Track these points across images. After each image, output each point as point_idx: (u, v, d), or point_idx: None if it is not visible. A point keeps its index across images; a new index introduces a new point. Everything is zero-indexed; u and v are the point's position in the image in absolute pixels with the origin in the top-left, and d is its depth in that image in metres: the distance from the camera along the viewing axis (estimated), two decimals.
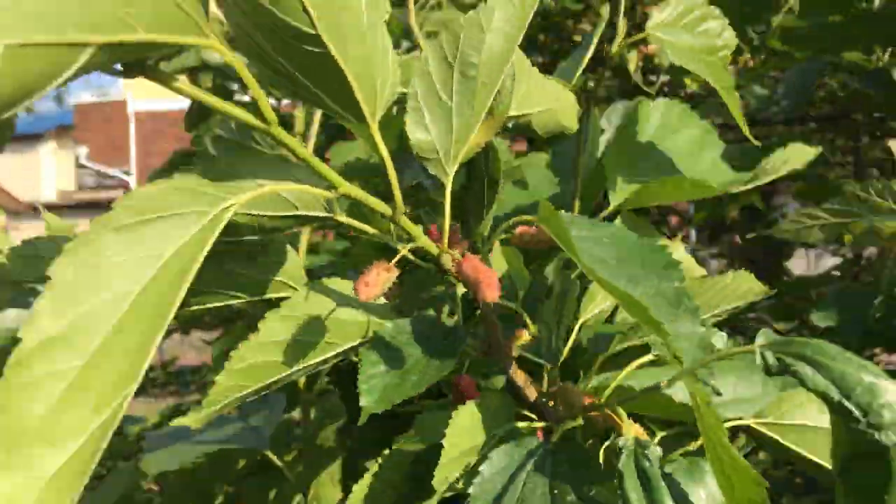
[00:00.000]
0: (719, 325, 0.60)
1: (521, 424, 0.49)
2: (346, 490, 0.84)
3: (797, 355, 0.37)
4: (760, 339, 0.39)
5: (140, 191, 0.36)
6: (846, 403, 0.36)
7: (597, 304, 0.58)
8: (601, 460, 0.45)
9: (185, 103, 1.17)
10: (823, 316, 1.01)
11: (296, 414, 1.02)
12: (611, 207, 0.71)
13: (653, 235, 0.74)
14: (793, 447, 0.52)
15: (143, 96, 10.89)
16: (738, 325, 1.74)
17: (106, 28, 0.30)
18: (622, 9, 0.72)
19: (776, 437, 0.52)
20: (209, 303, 0.50)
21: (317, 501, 0.89)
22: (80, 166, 11.49)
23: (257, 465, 0.93)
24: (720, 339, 0.55)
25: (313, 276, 0.52)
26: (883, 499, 0.38)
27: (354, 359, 0.49)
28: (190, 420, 0.50)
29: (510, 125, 0.60)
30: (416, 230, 0.47)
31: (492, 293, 0.43)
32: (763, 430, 0.52)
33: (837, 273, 1.69)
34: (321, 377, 0.96)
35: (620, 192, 0.71)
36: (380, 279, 0.43)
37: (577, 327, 0.56)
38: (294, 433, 1.01)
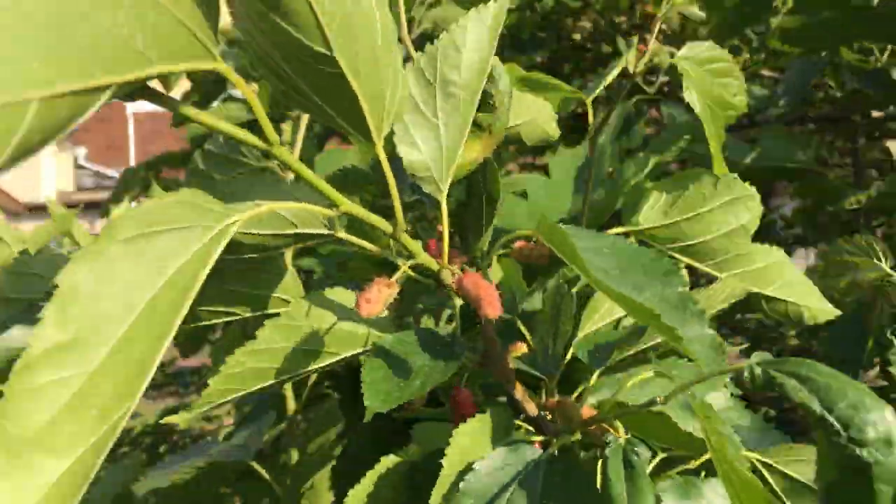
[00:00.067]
0: (718, 326, 0.60)
1: (518, 434, 0.50)
2: (339, 497, 0.84)
3: (788, 372, 0.37)
4: (755, 358, 0.40)
5: (146, 204, 0.36)
6: (828, 417, 0.36)
7: (595, 321, 0.58)
8: (598, 475, 0.45)
9: None
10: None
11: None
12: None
13: None
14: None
15: None
16: (737, 325, 1.74)
17: (127, 63, 0.30)
18: (656, 30, 0.76)
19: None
20: (210, 320, 0.51)
21: None
22: (78, 167, 11.46)
23: (247, 475, 0.93)
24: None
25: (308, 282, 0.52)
26: None
27: (355, 364, 0.49)
28: (179, 418, 0.51)
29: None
30: (417, 246, 0.47)
31: (493, 310, 0.44)
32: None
33: None
34: (309, 389, 0.96)
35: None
36: (381, 296, 0.43)
37: (575, 341, 0.57)
38: (283, 444, 1.01)
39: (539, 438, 0.50)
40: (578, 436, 0.48)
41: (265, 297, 0.51)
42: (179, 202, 0.37)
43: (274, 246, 0.47)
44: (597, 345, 0.55)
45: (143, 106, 10.91)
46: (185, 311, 0.35)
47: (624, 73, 0.76)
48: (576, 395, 0.54)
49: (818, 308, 0.67)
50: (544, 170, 1.93)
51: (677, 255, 0.64)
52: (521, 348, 0.57)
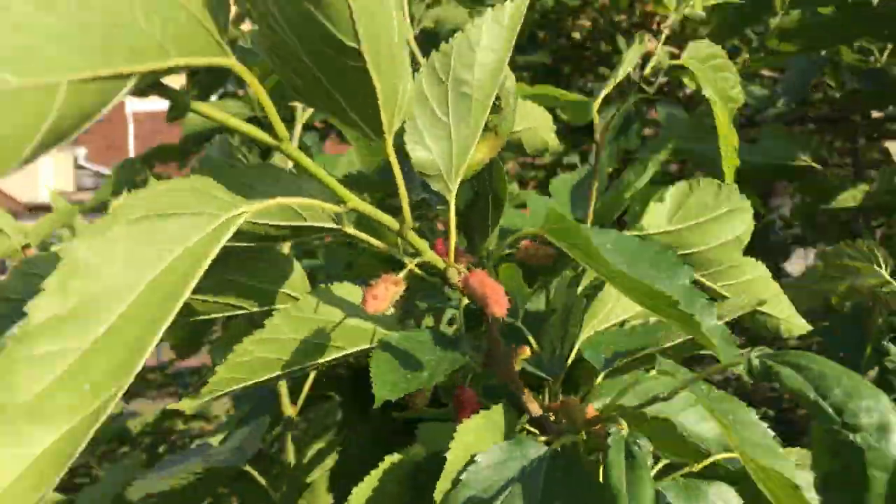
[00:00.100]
0: None
1: (522, 434, 0.50)
2: (339, 498, 0.84)
3: (784, 362, 0.38)
4: (755, 352, 0.40)
5: (157, 187, 0.36)
6: (822, 403, 0.36)
7: (597, 323, 0.58)
8: (600, 475, 0.45)
9: None
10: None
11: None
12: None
13: None
14: None
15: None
16: (736, 324, 1.74)
17: (148, 54, 0.30)
18: (665, 32, 0.78)
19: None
20: (215, 313, 0.51)
21: None
22: (78, 167, 11.45)
23: (243, 476, 0.93)
24: None
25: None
26: None
27: (357, 365, 0.49)
28: (184, 405, 0.51)
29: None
30: (423, 244, 0.47)
31: (500, 309, 0.44)
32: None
33: None
34: (307, 391, 0.96)
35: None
36: (388, 293, 0.44)
37: (578, 342, 0.57)
38: (280, 446, 1.00)
39: (543, 439, 0.50)
40: (583, 436, 0.48)
41: (272, 292, 0.51)
42: (189, 188, 0.37)
43: (280, 236, 0.47)
44: (604, 346, 0.55)
45: (143, 106, 10.92)
46: (184, 296, 0.35)
47: (627, 76, 0.77)
48: (580, 396, 0.54)
49: (794, 322, 0.68)
50: (544, 169, 1.93)
51: None
52: (526, 352, 0.57)
